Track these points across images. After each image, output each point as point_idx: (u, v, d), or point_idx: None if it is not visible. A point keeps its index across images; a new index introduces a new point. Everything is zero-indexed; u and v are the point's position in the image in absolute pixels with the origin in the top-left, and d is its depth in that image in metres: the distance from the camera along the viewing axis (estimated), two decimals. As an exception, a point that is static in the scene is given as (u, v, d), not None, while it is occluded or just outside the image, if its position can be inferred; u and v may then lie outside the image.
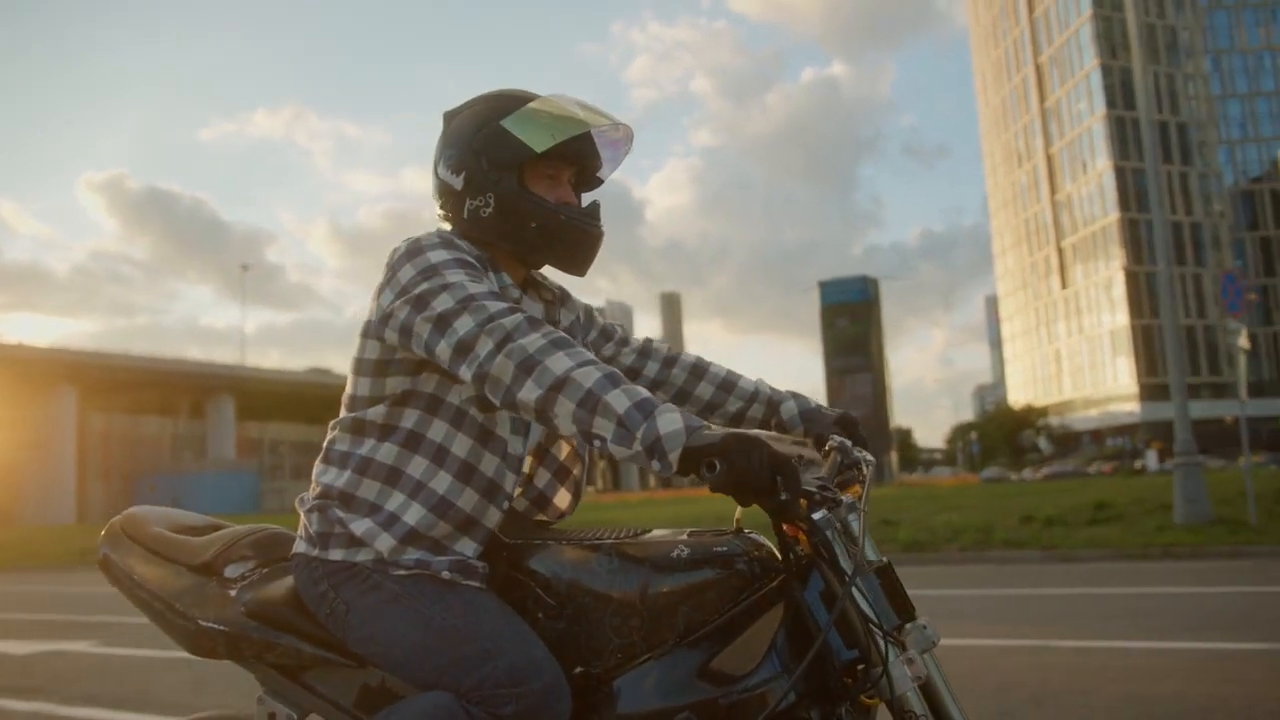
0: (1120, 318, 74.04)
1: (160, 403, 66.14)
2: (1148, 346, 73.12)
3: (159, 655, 5.80)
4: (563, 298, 1.78)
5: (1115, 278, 74.33)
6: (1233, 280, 11.25)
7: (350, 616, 1.47)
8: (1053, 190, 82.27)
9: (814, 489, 1.33)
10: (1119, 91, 74.43)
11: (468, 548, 1.50)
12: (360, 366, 1.53)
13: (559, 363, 1.28)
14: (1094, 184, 76.50)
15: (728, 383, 1.86)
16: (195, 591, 1.65)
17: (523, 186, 1.55)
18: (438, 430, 1.50)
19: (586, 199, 1.67)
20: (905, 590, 1.36)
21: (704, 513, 17.91)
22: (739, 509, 1.39)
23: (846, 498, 1.36)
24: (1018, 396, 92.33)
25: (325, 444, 1.58)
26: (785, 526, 1.38)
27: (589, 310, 1.85)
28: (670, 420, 1.22)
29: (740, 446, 1.19)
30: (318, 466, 1.57)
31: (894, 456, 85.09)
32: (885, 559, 1.38)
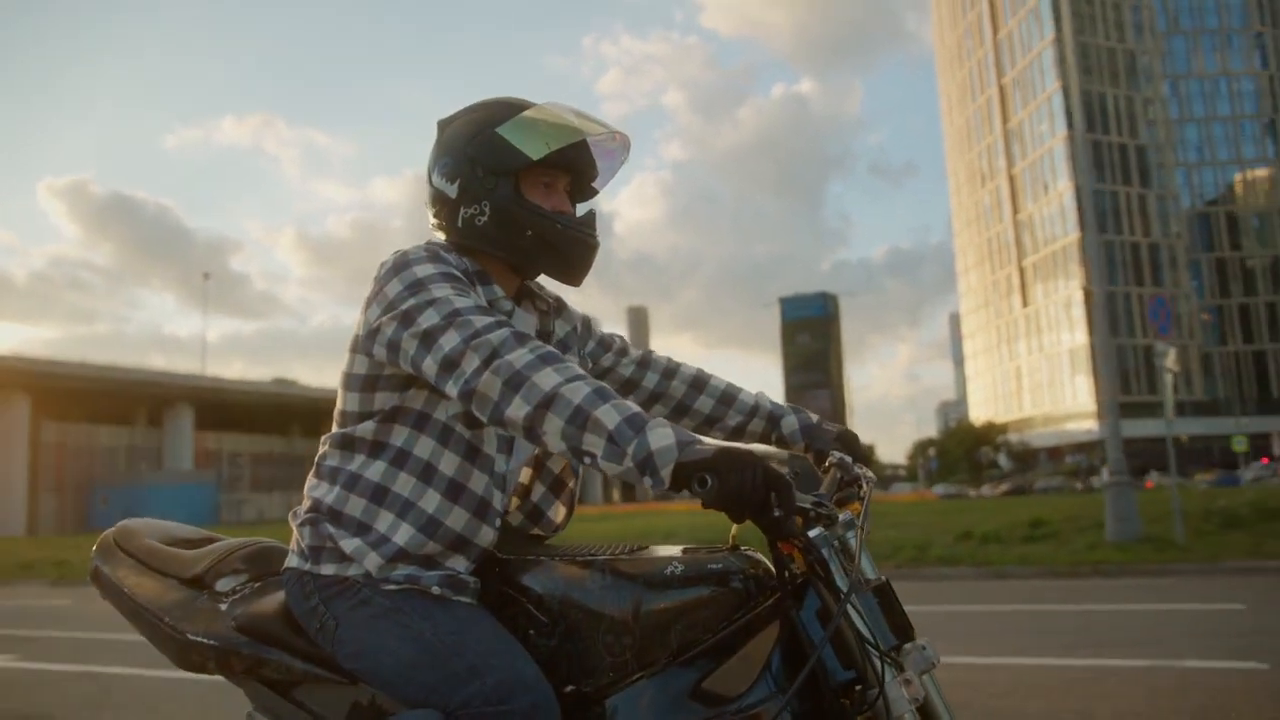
0: (1079, 336, 75.06)
1: (116, 413, 65.11)
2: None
3: (71, 670, 5.76)
4: (558, 308, 1.76)
5: (1075, 297, 75.38)
6: (1161, 304, 11.59)
7: (339, 631, 1.45)
8: (1015, 210, 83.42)
9: (808, 505, 1.31)
10: (1080, 113, 75.78)
11: (460, 564, 1.48)
12: (349, 381, 1.52)
13: (547, 379, 1.26)
14: (1055, 204, 77.64)
15: (728, 396, 1.84)
16: (186, 605, 1.63)
17: (519, 194, 1.53)
18: (425, 447, 1.49)
19: (581, 209, 1.65)
20: (904, 610, 1.32)
21: (665, 527, 17.96)
22: (734, 526, 1.37)
23: (844, 514, 1.34)
24: (979, 413, 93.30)
25: (316, 458, 1.57)
26: (780, 544, 1.36)
27: (587, 320, 1.83)
28: (662, 435, 1.20)
29: (733, 462, 1.17)
30: (309, 480, 1.57)
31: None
32: (884, 577, 1.35)
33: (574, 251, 1.56)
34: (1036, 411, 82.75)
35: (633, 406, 1.24)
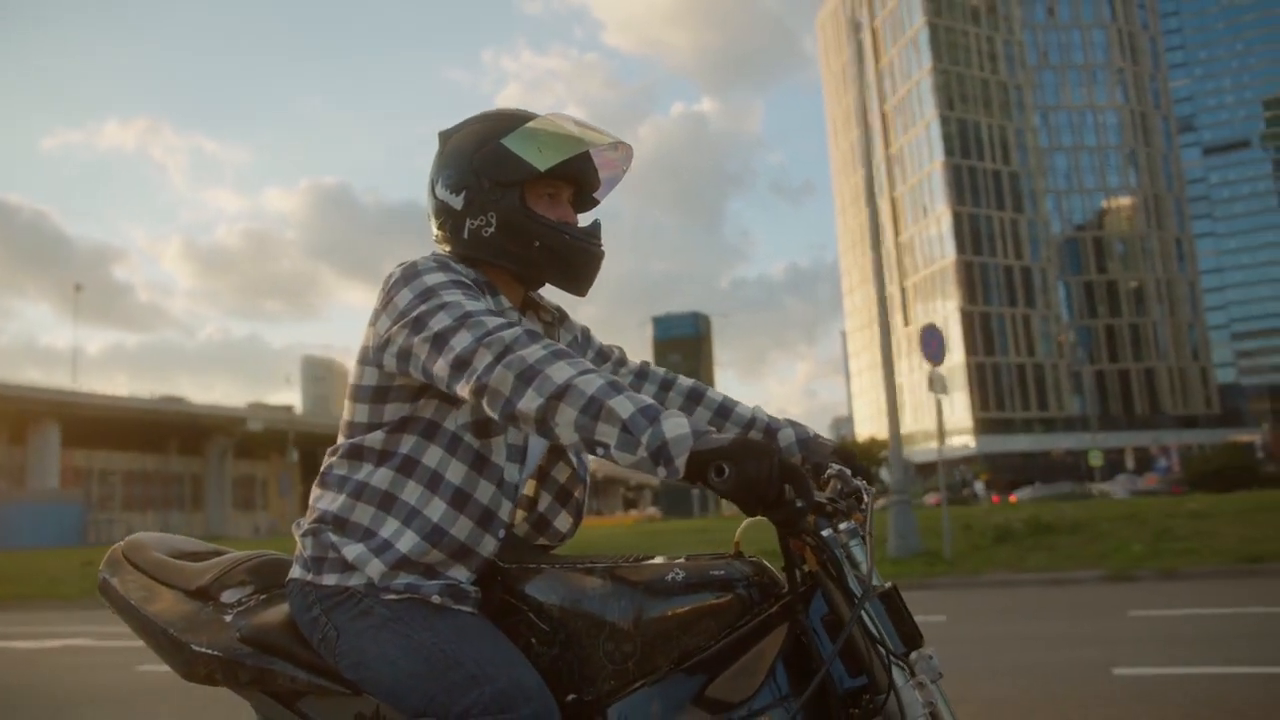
0: (956, 355, 77.72)
1: (-26, 429, 62.13)
2: (981, 383, 76.98)
3: None
4: (561, 318, 1.78)
5: (951, 317, 78.10)
6: (933, 334, 12.22)
7: (341, 641, 1.46)
8: (896, 232, 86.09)
9: (824, 500, 1.32)
10: (955, 141, 78.80)
11: (461, 574, 1.49)
12: (358, 394, 1.53)
13: (560, 371, 1.26)
14: (933, 227, 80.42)
15: (724, 408, 1.84)
16: (191, 617, 1.63)
17: (525, 205, 1.54)
18: (433, 456, 1.49)
19: (584, 219, 1.67)
20: (913, 617, 1.33)
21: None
22: (738, 532, 1.40)
23: (848, 523, 1.35)
24: (864, 429, 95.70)
25: (322, 470, 1.58)
26: (791, 542, 1.36)
27: (586, 331, 1.85)
28: (677, 424, 1.19)
29: (750, 451, 1.15)
30: (314, 492, 1.57)
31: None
32: (891, 583, 1.35)
33: (580, 261, 1.59)
34: (918, 427, 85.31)
35: (646, 399, 1.24)
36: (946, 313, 78.62)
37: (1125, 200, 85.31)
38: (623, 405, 1.22)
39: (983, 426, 76.25)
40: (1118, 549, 11.34)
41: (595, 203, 1.71)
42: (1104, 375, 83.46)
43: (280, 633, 1.55)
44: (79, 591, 13.94)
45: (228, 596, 1.66)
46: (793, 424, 1.83)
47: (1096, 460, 48.23)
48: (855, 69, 14.74)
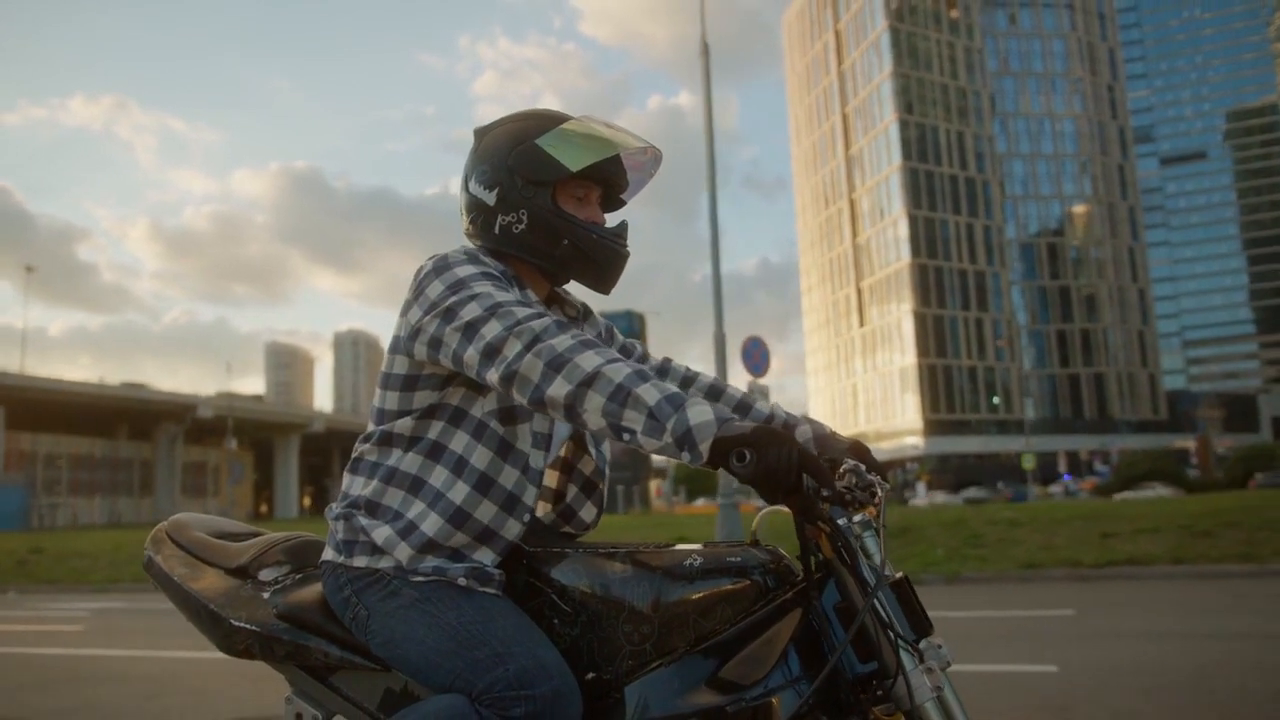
0: (909, 357, 78.54)
1: (-86, 411, 61.43)
2: (932, 384, 77.86)
3: None
4: (585, 314, 1.83)
5: (905, 319, 78.89)
6: (756, 345, 12.64)
7: (371, 621, 1.52)
8: (854, 234, 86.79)
9: (843, 489, 1.36)
10: (914, 145, 79.58)
11: (486, 557, 1.54)
12: (389, 381, 1.58)
13: (589, 360, 1.31)
14: (890, 230, 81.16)
15: (743, 405, 1.88)
16: (230, 593, 1.70)
17: (555, 204, 1.59)
18: (459, 442, 1.54)
19: (612, 219, 1.72)
20: (923, 606, 1.38)
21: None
22: (755, 521, 1.49)
23: (862, 516, 1.39)
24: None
25: (354, 456, 1.64)
26: (808, 529, 1.39)
27: (610, 328, 1.89)
28: (701, 412, 1.24)
29: (771, 439, 1.21)
30: (346, 478, 1.64)
31: (659, 485, 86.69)
32: (902, 574, 1.41)
33: (607, 260, 1.63)
34: (870, 427, 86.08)
35: (672, 387, 1.28)
36: (900, 314, 79.44)
37: (1080, 208, 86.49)
38: (649, 393, 1.26)
39: (932, 428, 77.16)
40: (923, 553, 11.80)
41: (623, 203, 1.77)
42: (1055, 379, 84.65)
43: (314, 610, 1.63)
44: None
45: (265, 575, 1.74)
46: (809, 420, 1.87)
47: (1029, 463, 49.12)
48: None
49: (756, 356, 12.48)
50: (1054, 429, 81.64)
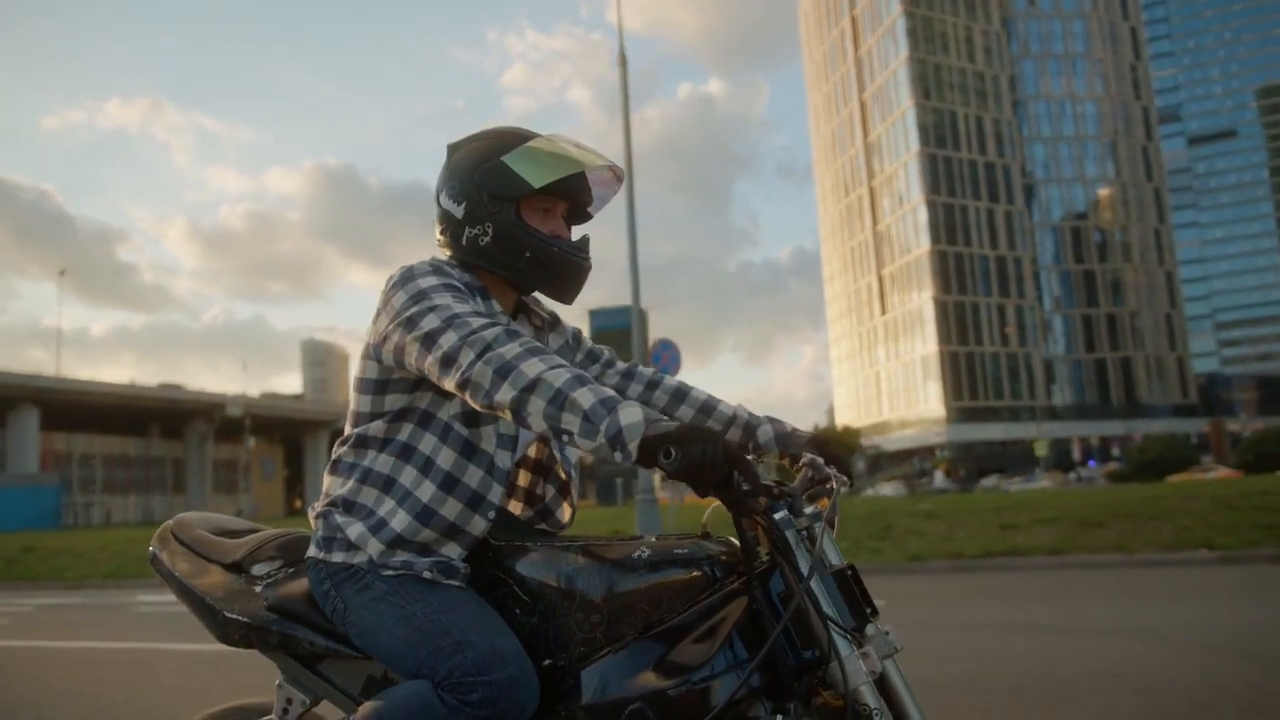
0: (931, 344, 78.04)
1: (-48, 413, 63.15)
2: (954, 372, 77.36)
3: None
4: (553, 322, 1.92)
5: (926, 306, 78.37)
6: (666, 347, 13.00)
7: (349, 613, 1.61)
8: (874, 221, 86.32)
9: (771, 483, 1.42)
10: (932, 130, 79.04)
11: (453, 551, 1.62)
12: (362, 385, 1.67)
13: (532, 367, 1.38)
14: (909, 217, 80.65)
15: (707, 406, 1.95)
16: (227, 587, 1.80)
17: (519, 219, 1.66)
18: (427, 443, 1.63)
19: (576, 232, 1.79)
20: (869, 595, 1.43)
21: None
22: (706, 514, 1.56)
23: (812, 508, 1.46)
24: (844, 417, 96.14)
25: (333, 458, 1.73)
26: (745, 522, 1.45)
27: (578, 333, 1.98)
28: (631, 413, 1.31)
29: (695, 436, 1.26)
30: (326, 478, 1.73)
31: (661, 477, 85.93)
32: (848, 563, 1.46)
33: (567, 273, 1.71)
34: (893, 415, 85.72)
35: (608, 391, 1.36)
36: (922, 301, 78.98)
37: (1104, 190, 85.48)
38: (585, 396, 1.34)
39: (954, 415, 76.72)
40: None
41: (590, 217, 1.83)
42: (1082, 364, 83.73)
43: (301, 603, 1.72)
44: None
45: (258, 569, 1.82)
46: (772, 420, 1.94)
47: (1042, 450, 48.84)
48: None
49: (666, 359, 12.83)
50: (1081, 415, 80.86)
